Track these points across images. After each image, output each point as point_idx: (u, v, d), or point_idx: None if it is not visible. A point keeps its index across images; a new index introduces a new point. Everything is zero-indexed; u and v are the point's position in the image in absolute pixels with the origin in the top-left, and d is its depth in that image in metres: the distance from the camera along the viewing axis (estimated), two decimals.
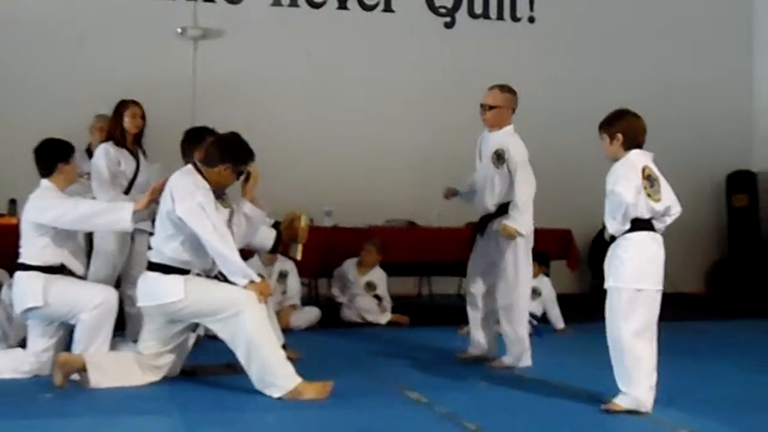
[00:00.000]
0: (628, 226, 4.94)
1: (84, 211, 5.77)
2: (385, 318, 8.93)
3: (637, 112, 5.13)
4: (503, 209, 6.39)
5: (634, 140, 5.05)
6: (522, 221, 6.23)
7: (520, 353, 6.41)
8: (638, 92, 11.31)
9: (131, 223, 5.72)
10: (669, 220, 5.10)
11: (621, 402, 4.87)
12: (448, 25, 12.19)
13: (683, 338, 8.14)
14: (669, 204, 5.04)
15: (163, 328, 5.53)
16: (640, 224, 4.93)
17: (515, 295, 6.41)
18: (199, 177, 5.50)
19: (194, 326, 5.69)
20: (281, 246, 6.44)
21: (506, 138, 6.43)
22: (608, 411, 4.86)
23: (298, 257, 6.49)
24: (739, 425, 4.72)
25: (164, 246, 5.44)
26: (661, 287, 4.99)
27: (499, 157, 6.37)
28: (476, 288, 6.69)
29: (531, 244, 6.46)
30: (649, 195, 4.92)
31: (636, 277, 4.89)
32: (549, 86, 11.70)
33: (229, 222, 5.62)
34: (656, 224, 5.02)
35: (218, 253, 5.33)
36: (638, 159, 5.00)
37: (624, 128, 5.04)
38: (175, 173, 5.57)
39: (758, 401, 5.43)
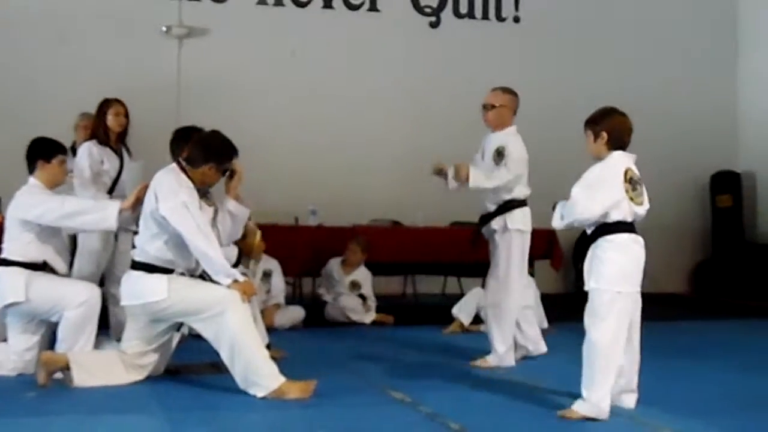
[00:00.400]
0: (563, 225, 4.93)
1: (70, 208, 5.77)
2: (369, 317, 8.94)
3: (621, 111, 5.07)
4: (503, 208, 6.42)
5: (619, 140, 4.94)
6: (475, 176, 6.30)
7: (504, 353, 6.42)
8: (623, 92, 11.31)
9: (116, 222, 5.71)
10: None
11: (579, 409, 4.76)
12: (433, 25, 12.20)
13: (667, 338, 8.17)
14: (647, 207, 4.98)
15: (146, 328, 5.51)
16: (622, 226, 4.85)
17: (504, 293, 6.43)
18: (183, 176, 5.48)
19: (178, 325, 5.68)
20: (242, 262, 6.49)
21: (508, 137, 6.48)
22: (564, 417, 4.76)
23: (252, 276, 6.53)
24: (723, 425, 4.73)
25: (148, 245, 5.42)
26: (639, 289, 4.95)
27: (500, 155, 6.40)
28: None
29: (527, 246, 6.48)
30: (632, 199, 4.84)
31: (616, 278, 4.82)
32: (534, 86, 11.65)
33: (214, 220, 5.61)
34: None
35: (201, 252, 5.30)
36: (621, 161, 4.91)
37: (609, 127, 4.93)
38: (159, 172, 5.55)
39: (742, 401, 5.44)
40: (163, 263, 5.40)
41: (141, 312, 5.46)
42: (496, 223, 6.46)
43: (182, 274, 5.43)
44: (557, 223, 5.00)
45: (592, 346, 4.78)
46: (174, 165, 5.58)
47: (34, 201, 5.79)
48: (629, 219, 4.87)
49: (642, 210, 4.91)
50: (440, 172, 6.60)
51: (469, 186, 6.35)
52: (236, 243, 6.36)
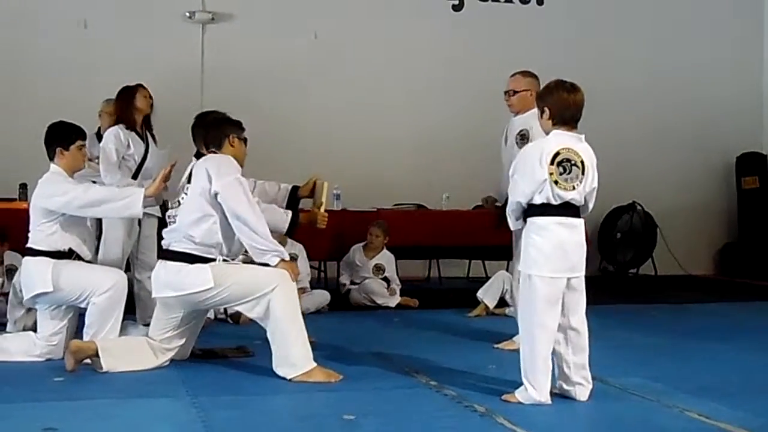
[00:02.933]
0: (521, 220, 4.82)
1: (94, 196, 5.77)
2: (394, 300, 8.95)
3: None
4: None
5: (560, 116, 4.73)
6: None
7: None
8: (649, 75, 11.33)
9: (141, 208, 5.72)
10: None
11: (519, 395, 4.67)
12: (456, 8, 12.15)
13: (693, 320, 8.17)
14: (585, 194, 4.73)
15: (178, 316, 5.51)
16: (547, 209, 4.65)
17: None
18: (230, 158, 5.53)
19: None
20: (296, 229, 6.29)
21: (531, 120, 6.43)
22: (507, 401, 4.69)
23: (319, 223, 6.31)
24: (749, 408, 4.69)
25: (194, 229, 5.36)
26: (572, 275, 4.68)
27: (523, 137, 6.35)
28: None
29: None
30: (556, 182, 4.61)
31: (536, 262, 4.64)
32: (558, 69, 11.56)
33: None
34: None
35: (252, 228, 5.29)
36: (553, 141, 4.70)
37: (551, 102, 4.75)
38: (201, 159, 5.59)
39: None
40: (204, 250, 5.36)
41: (178, 303, 5.44)
42: None
43: (224, 260, 5.43)
44: (511, 223, 4.97)
45: (521, 333, 4.74)
46: (215, 154, 5.60)
47: (56, 190, 5.78)
48: (555, 202, 4.64)
49: (570, 195, 4.65)
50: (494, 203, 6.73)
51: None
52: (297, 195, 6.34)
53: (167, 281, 5.43)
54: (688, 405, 4.70)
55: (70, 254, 5.83)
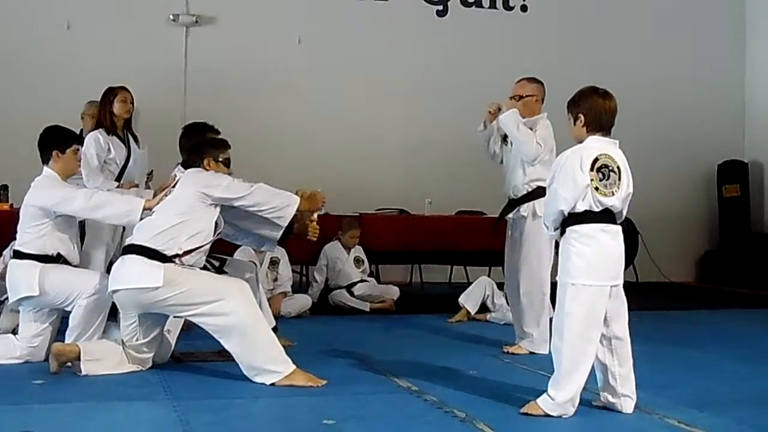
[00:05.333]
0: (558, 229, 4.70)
1: (97, 201, 5.71)
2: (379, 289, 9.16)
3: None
4: (533, 194, 6.40)
5: (597, 122, 4.67)
6: (510, 116, 6.36)
7: (542, 340, 6.36)
8: (631, 82, 11.34)
9: (139, 219, 5.66)
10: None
11: (543, 405, 4.55)
12: (441, 13, 12.19)
13: (673, 328, 8.20)
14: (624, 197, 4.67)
15: (136, 321, 5.40)
16: (588, 217, 4.56)
17: (539, 279, 6.45)
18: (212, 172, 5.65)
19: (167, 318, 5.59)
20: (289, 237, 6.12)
21: (536, 120, 6.50)
22: (527, 414, 4.59)
23: (310, 235, 6.21)
24: (729, 416, 4.71)
25: (165, 229, 5.33)
26: (614, 282, 4.61)
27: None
28: (514, 283, 6.66)
29: None
30: (596, 188, 4.54)
31: (580, 271, 4.54)
32: (541, 75, 11.67)
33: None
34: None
35: (267, 195, 5.51)
36: (591, 147, 4.63)
37: (586, 108, 4.67)
38: (191, 171, 5.67)
39: (749, 392, 5.42)
40: (167, 246, 5.28)
41: (130, 301, 5.33)
42: (525, 210, 6.46)
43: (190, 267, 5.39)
44: (548, 234, 4.89)
45: (557, 344, 4.59)
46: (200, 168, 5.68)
47: (56, 193, 5.75)
48: (596, 209, 4.56)
49: (611, 201, 4.58)
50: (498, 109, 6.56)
51: (499, 121, 6.38)
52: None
53: (119, 275, 5.36)
54: (667, 412, 4.71)
55: (58, 259, 5.81)
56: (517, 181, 6.51)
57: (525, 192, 6.47)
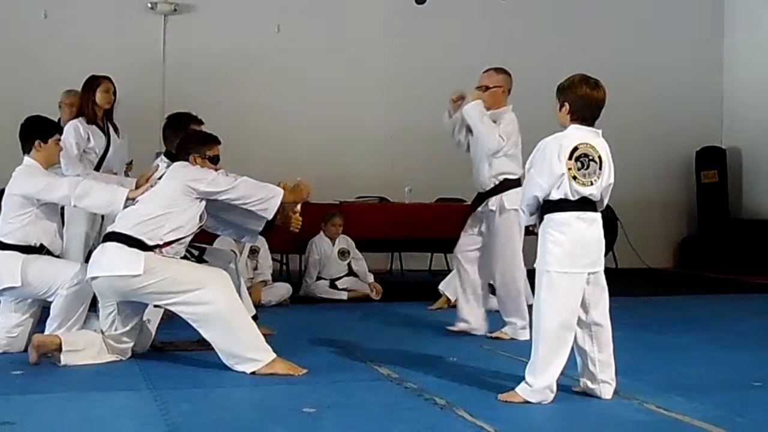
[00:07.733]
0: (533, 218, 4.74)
1: (82, 188, 5.69)
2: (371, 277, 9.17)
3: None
4: (500, 187, 6.45)
5: (582, 112, 4.64)
6: (474, 107, 6.40)
7: (521, 327, 6.46)
8: (611, 69, 11.32)
9: (122, 209, 5.63)
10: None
11: (522, 393, 4.57)
12: (419, 1, 12.14)
13: (652, 313, 8.24)
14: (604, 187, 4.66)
15: (115, 309, 5.40)
16: (564, 205, 4.55)
17: (514, 271, 6.50)
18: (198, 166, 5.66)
19: (145, 306, 5.59)
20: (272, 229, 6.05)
21: (501, 113, 6.51)
22: (506, 401, 4.60)
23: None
24: (706, 401, 4.73)
25: (149, 219, 5.34)
26: (592, 269, 4.60)
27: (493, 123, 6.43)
28: (469, 266, 6.72)
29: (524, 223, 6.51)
30: (574, 177, 4.53)
31: (555, 258, 4.54)
32: (520, 64, 11.67)
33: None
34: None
35: (251, 188, 5.51)
36: (571, 136, 4.61)
37: (573, 97, 4.65)
38: (178, 164, 5.67)
39: (725, 377, 5.46)
40: (148, 235, 5.28)
41: (109, 288, 5.32)
42: (493, 204, 6.48)
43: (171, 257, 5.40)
44: (524, 218, 4.92)
45: (536, 331, 4.60)
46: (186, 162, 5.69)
47: (40, 181, 5.75)
48: (572, 198, 4.55)
49: (588, 190, 4.56)
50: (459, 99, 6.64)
51: (463, 112, 6.41)
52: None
53: (98, 262, 5.35)
54: (646, 397, 4.73)
55: (40, 249, 5.80)
56: (483, 175, 6.54)
57: (492, 185, 6.51)
